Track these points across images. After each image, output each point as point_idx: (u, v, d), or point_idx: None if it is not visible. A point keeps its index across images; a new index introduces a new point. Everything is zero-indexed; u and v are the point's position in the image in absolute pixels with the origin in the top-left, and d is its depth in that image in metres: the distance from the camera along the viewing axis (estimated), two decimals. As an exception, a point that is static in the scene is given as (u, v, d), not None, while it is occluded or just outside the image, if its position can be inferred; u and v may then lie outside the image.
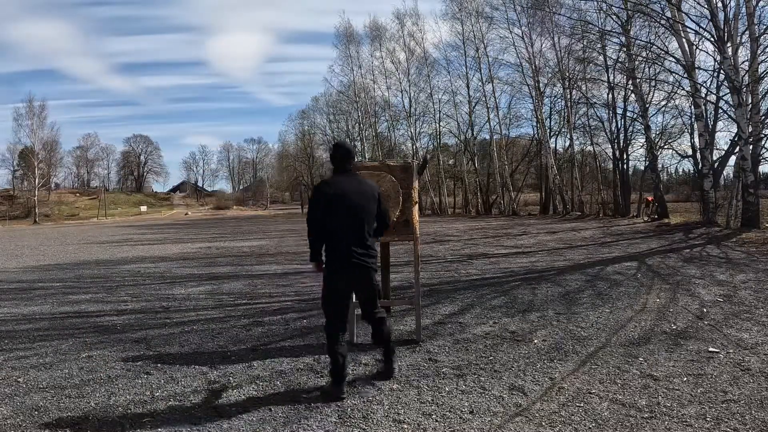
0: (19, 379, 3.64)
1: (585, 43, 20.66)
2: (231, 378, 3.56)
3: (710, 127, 15.32)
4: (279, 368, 3.72)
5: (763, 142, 13.33)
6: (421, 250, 6.89)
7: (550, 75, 26.36)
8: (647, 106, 18.66)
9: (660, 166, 21.71)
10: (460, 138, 34.17)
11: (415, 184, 4.42)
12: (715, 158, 15.37)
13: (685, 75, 15.05)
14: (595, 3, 18.33)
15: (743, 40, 13.11)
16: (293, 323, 5.07)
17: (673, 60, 15.21)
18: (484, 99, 30.26)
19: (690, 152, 17.89)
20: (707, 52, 15.75)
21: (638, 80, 18.29)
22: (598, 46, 20.20)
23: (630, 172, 23.70)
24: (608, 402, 2.97)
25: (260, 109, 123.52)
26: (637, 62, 18.02)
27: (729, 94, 13.36)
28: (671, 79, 16.97)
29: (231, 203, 70.50)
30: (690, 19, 14.21)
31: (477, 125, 32.39)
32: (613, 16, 17.94)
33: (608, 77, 21.15)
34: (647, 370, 3.44)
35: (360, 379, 3.47)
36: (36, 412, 3.06)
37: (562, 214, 24.38)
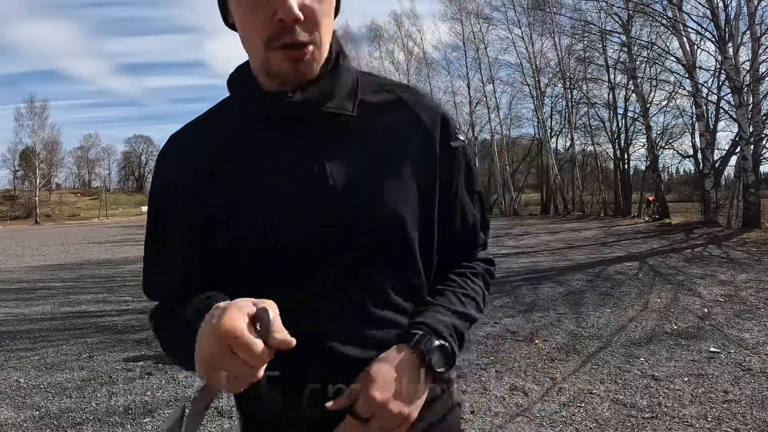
0: (20, 380, 3.64)
1: (586, 43, 20.65)
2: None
3: (711, 127, 15.29)
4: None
5: (764, 142, 13.32)
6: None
7: (550, 75, 26.38)
8: (648, 105, 18.64)
9: (661, 166, 21.71)
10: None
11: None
12: (716, 158, 15.35)
13: (686, 75, 15.03)
14: (596, 3, 18.32)
15: (744, 40, 13.11)
16: (294, 323, 5.06)
17: (674, 60, 15.21)
18: (484, 99, 30.24)
19: (691, 152, 17.87)
20: (708, 52, 15.83)
21: (639, 80, 18.26)
22: (599, 45, 20.19)
23: (631, 172, 23.70)
24: (609, 402, 2.97)
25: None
26: (638, 62, 18.00)
27: (730, 94, 13.34)
28: (672, 78, 16.94)
29: (232, 203, 70.36)
30: (691, 18, 14.20)
31: (478, 125, 32.39)
32: (614, 16, 17.93)
33: (609, 77, 21.14)
34: (648, 371, 3.44)
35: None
36: (37, 413, 3.06)
37: (563, 214, 24.36)
